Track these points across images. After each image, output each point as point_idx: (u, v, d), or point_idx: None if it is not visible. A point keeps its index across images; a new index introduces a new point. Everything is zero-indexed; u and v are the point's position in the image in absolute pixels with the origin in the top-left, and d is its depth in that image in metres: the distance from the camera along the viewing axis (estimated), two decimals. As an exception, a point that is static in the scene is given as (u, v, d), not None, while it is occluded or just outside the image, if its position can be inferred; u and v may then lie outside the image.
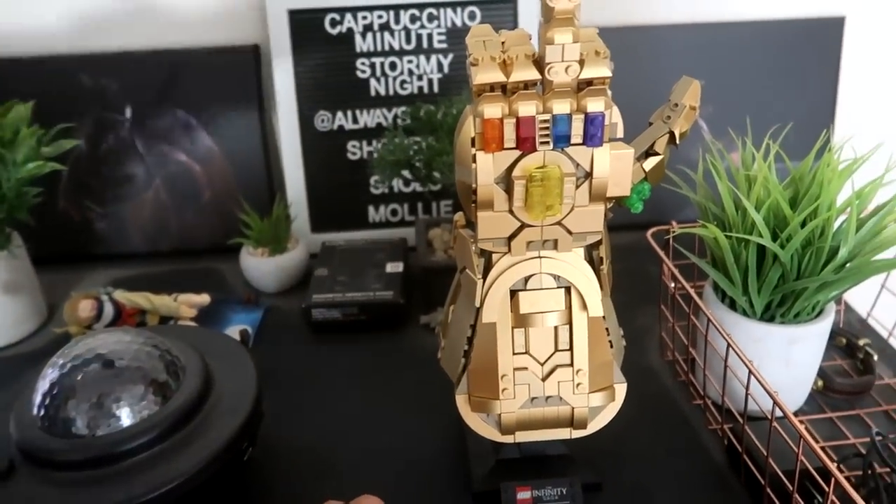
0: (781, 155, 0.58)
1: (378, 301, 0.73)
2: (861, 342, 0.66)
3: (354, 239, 0.85)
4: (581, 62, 0.40)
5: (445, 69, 0.85)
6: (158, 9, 0.85)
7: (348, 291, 0.74)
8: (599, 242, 0.45)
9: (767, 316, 0.56)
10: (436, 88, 0.86)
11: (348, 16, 0.83)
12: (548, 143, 0.41)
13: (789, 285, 0.53)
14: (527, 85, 0.40)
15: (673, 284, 0.62)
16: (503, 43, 0.41)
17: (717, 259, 0.56)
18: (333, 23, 0.83)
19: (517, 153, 0.41)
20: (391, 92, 0.86)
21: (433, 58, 0.85)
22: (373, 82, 0.85)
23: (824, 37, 0.88)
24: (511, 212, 0.42)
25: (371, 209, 0.90)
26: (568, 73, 0.39)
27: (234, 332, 0.74)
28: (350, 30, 0.84)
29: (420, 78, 0.85)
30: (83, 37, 0.85)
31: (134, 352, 0.50)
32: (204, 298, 0.72)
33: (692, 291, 0.55)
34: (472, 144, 0.41)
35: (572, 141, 0.41)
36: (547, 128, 0.40)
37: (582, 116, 0.40)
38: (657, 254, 0.63)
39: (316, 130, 0.86)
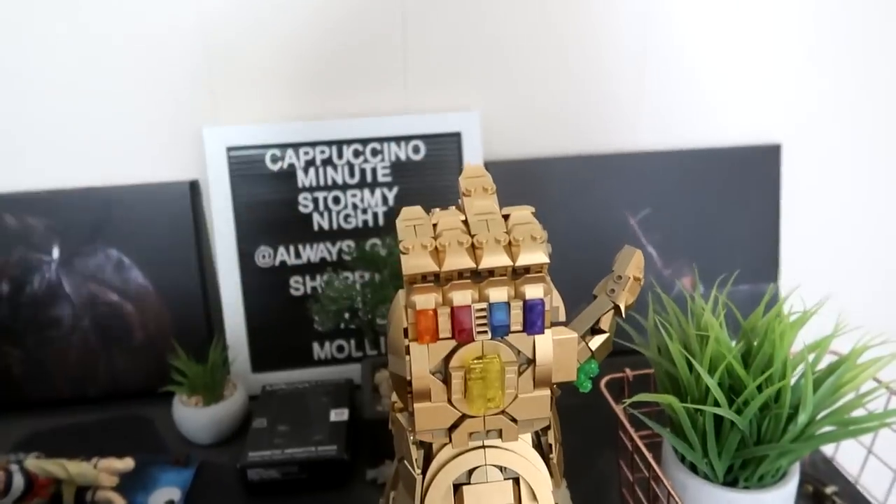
0: (731, 307, 0.57)
1: (320, 458, 0.68)
2: (828, 490, 0.63)
3: (297, 380, 0.81)
4: (517, 247, 0.37)
5: (391, 202, 0.84)
6: (90, 145, 0.82)
7: (288, 446, 0.69)
8: (548, 427, 0.42)
9: (730, 478, 0.53)
10: (381, 221, 0.84)
11: (290, 151, 0.82)
12: (486, 332, 0.38)
13: (750, 450, 0.50)
14: (461, 273, 0.37)
15: (629, 440, 0.58)
16: (435, 226, 0.39)
17: (674, 421, 0.53)
18: (274, 159, 0.82)
19: (454, 343, 0.38)
20: (335, 226, 0.84)
21: (377, 191, 0.83)
22: (316, 217, 0.83)
23: (762, 164, 0.90)
24: (450, 402, 0.39)
25: (316, 346, 0.85)
26: (498, 242, 0.37)
27: (160, 496, 0.67)
28: (292, 165, 0.82)
29: (364, 211, 0.84)
30: (8, 175, 0.82)
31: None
32: (127, 463, 0.66)
33: (651, 459, 0.52)
34: (406, 335, 0.38)
35: (512, 329, 0.38)
36: (484, 317, 0.38)
37: (521, 304, 0.38)
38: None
39: (256, 267, 0.83)
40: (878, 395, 0.50)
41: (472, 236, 0.38)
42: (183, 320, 0.84)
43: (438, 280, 0.38)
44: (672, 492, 0.49)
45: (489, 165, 0.85)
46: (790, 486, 0.52)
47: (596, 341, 0.43)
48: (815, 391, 0.50)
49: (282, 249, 0.83)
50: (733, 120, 0.91)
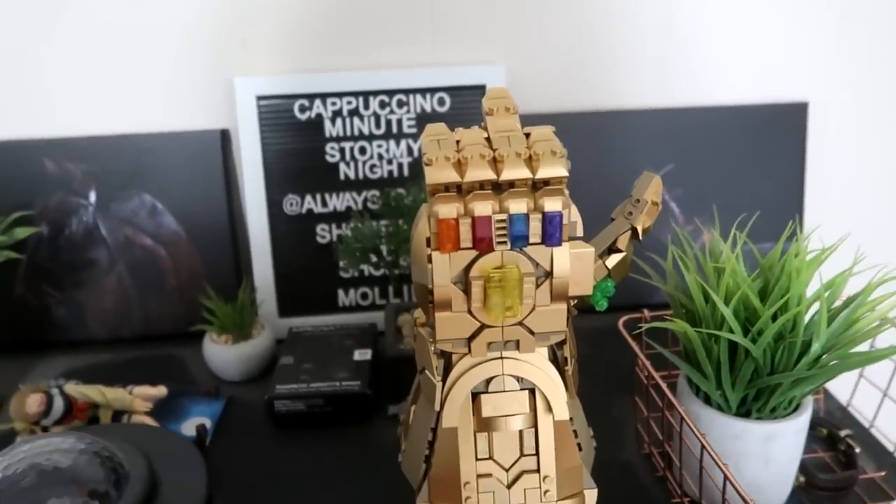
0: (749, 244, 0.58)
1: (344, 392, 0.70)
2: (842, 433, 0.64)
3: (323, 324, 0.83)
4: (537, 161, 0.39)
5: (415, 153, 0.85)
6: (126, 94, 0.85)
7: (314, 381, 0.71)
8: (564, 342, 0.43)
9: (743, 410, 0.54)
10: (406, 172, 0.86)
11: (317, 102, 0.83)
12: (505, 242, 0.39)
13: (763, 380, 0.51)
14: (482, 185, 0.39)
15: (646, 375, 0.60)
16: (458, 142, 0.41)
17: (689, 352, 0.54)
18: (302, 108, 0.84)
19: (474, 253, 0.40)
20: (361, 176, 0.85)
21: (403, 142, 0.85)
22: (342, 166, 0.85)
23: (789, 122, 0.90)
24: (470, 312, 0.41)
25: (341, 293, 0.88)
26: (519, 156, 0.39)
27: (191, 425, 0.70)
28: (319, 115, 0.84)
29: (390, 162, 0.85)
30: (49, 122, 0.85)
31: (73, 459, 0.47)
32: (160, 391, 0.69)
33: (665, 388, 0.53)
34: (428, 245, 0.40)
35: (530, 241, 0.40)
36: (504, 227, 0.39)
37: (539, 216, 0.39)
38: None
39: (284, 214, 0.85)
40: (888, 328, 0.51)
41: (494, 150, 0.39)
42: (213, 265, 0.86)
43: (461, 192, 0.39)
44: (685, 417, 0.50)
45: (513, 119, 0.86)
46: (803, 418, 0.53)
47: (613, 260, 0.44)
48: (829, 324, 0.51)
49: (309, 197, 0.85)
50: (760, 77, 0.90)
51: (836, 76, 0.91)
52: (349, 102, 0.84)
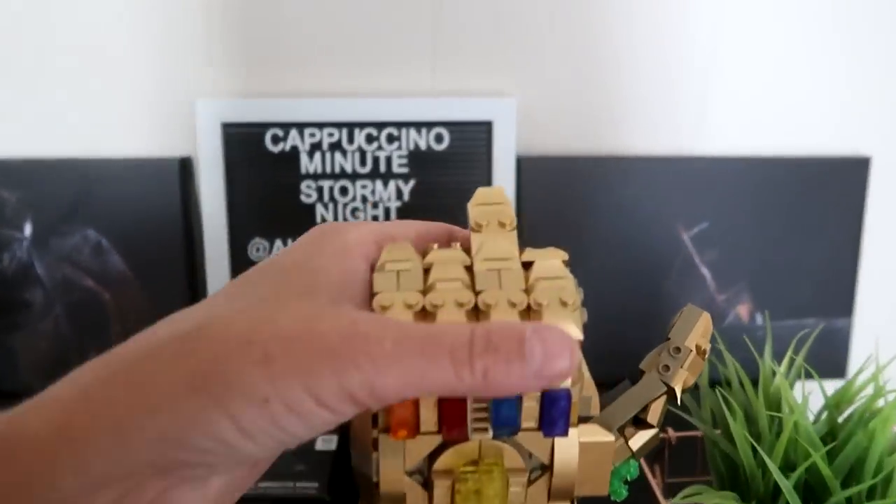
0: (814, 376, 0.45)
1: (298, 496, 0.58)
2: None
3: (286, 393, 0.71)
4: (538, 314, 0.26)
5: (405, 197, 0.73)
6: (71, 112, 0.73)
7: (263, 479, 0.59)
8: (563, 546, 0.31)
9: None
10: (393, 217, 0.73)
11: (293, 132, 0.71)
12: (486, 430, 0.27)
13: (827, 572, 0.38)
14: (456, 347, 0.26)
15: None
16: (427, 272, 0.28)
17: (729, 519, 0.42)
18: (275, 139, 0.71)
19: (439, 438, 0.27)
20: (341, 220, 0.73)
21: (391, 183, 0.73)
22: (319, 208, 0.73)
23: (846, 179, 0.76)
24: (432, 512, 0.29)
25: (311, 353, 0.76)
26: (513, 307, 0.26)
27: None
28: (295, 148, 0.71)
29: (375, 206, 0.73)
30: (-20, 141, 0.73)
31: None
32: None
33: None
34: (374, 423, 0.28)
35: (523, 426, 0.27)
36: (485, 409, 0.27)
37: (537, 395, 0.27)
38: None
39: (249, 261, 0.73)
40: None
41: (477, 294, 0.27)
42: (165, 313, 0.74)
43: (424, 353, 0.27)
44: None
45: (523, 160, 0.74)
46: None
47: (639, 439, 0.31)
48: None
49: (279, 243, 0.73)
50: (815, 126, 0.77)
51: (905, 128, 0.77)
52: (330, 134, 0.71)
